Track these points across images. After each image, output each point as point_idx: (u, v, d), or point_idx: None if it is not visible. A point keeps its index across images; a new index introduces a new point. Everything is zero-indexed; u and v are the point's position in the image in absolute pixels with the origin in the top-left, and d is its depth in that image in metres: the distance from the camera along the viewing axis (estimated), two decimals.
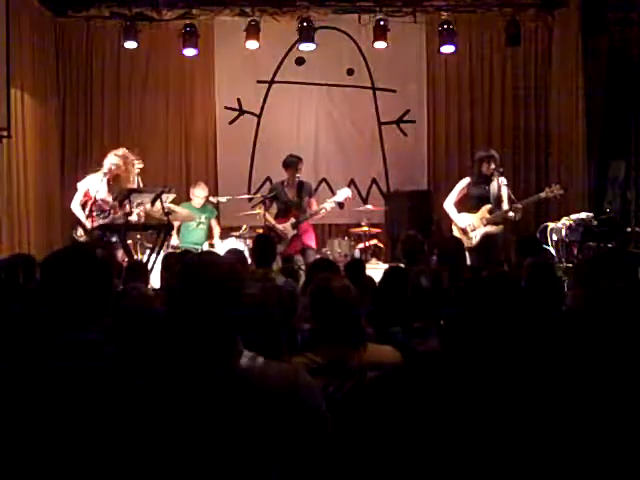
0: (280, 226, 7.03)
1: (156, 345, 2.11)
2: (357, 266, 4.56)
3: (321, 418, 1.66)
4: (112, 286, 2.04)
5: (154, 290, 3.93)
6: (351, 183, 8.79)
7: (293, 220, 7.03)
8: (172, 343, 1.71)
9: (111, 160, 6.25)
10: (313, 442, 1.61)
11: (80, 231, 6.25)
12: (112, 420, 1.63)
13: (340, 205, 7.13)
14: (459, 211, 6.77)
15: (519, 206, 6.43)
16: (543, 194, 6.64)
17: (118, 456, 1.60)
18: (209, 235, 7.61)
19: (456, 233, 6.67)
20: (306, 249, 6.99)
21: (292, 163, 7.09)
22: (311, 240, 7.16)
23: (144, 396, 1.62)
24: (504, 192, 6.56)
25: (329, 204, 7.04)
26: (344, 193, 7.09)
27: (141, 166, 6.50)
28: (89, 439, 1.66)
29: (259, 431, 1.56)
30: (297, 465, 1.58)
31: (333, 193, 8.63)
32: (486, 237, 6.50)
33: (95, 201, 6.20)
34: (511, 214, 6.43)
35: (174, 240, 7.19)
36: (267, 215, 7.06)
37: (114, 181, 6.33)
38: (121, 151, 6.36)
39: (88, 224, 6.16)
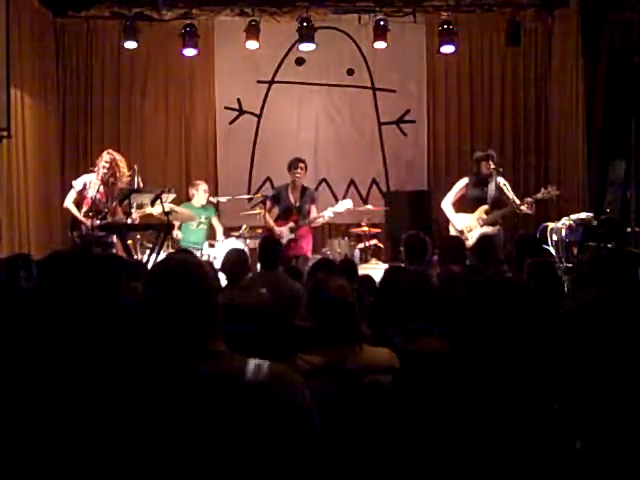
0: (277, 229, 7.03)
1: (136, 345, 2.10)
2: (350, 265, 4.59)
3: (306, 416, 1.63)
4: (110, 287, 2.04)
5: None
6: (351, 183, 8.80)
7: (292, 224, 7.03)
8: (142, 344, 1.71)
9: (101, 163, 6.37)
10: (297, 444, 1.56)
11: (75, 232, 6.29)
12: (95, 419, 1.62)
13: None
14: (457, 212, 6.77)
15: (530, 200, 6.41)
16: (539, 195, 6.63)
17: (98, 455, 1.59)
18: (211, 235, 7.60)
19: (453, 234, 6.66)
20: (299, 256, 6.96)
21: (291, 164, 7.10)
22: (307, 246, 7.16)
23: (119, 396, 1.61)
24: (507, 191, 6.55)
25: (328, 213, 7.02)
26: (345, 204, 7.07)
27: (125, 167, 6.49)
28: (73, 438, 1.66)
29: (228, 433, 1.53)
30: (281, 469, 1.55)
31: (333, 193, 8.65)
32: (483, 238, 6.49)
33: (92, 202, 6.22)
34: (523, 208, 6.38)
35: (177, 233, 7.14)
36: (267, 215, 7.06)
37: (108, 183, 6.36)
38: (107, 156, 6.39)
39: (86, 221, 6.21)
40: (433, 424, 1.87)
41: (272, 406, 1.55)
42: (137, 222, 6.25)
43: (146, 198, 6.16)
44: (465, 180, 6.81)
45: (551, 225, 6.87)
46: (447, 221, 6.89)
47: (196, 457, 1.51)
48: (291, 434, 1.56)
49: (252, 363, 1.62)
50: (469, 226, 6.59)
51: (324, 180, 8.78)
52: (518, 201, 6.43)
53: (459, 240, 5.35)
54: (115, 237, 6.33)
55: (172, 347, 1.61)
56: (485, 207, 6.54)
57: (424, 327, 2.81)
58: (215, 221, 7.68)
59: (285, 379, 1.63)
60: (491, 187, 6.56)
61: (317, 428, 1.63)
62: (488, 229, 6.52)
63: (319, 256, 7.17)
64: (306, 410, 1.61)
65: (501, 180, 6.57)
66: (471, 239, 6.52)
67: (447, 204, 6.80)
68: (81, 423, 1.64)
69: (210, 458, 1.52)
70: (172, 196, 6.38)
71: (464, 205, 6.76)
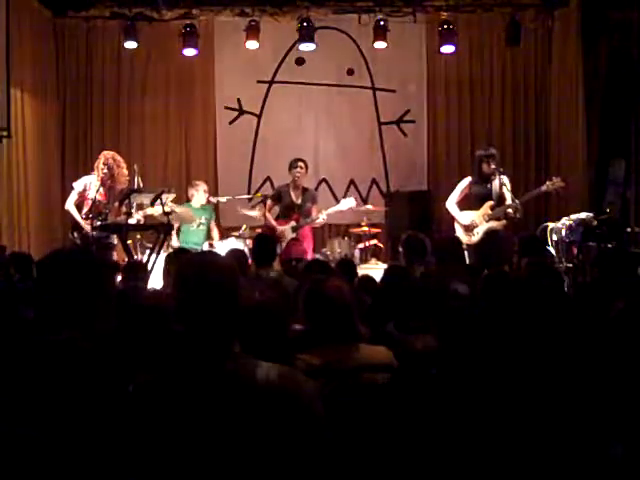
0: (279, 227, 7.03)
1: (160, 344, 2.11)
2: (347, 265, 4.59)
3: (317, 420, 1.64)
4: (106, 287, 2.04)
5: (154, 290, 3.93)
6: (351, 183, 8.80)
7: (293, 223, 7.02)
8: (172, 343, 1.71)
9: (99, 165, 6.39)
10: (308, 444, 1.59)
11: (76, 233, 6.30)
12: (89, 418, 1.62)
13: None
14: (461, 210, 6.78)
15: (517, 202, 6.44)
16: (544, 187, 6.68)
17: (102, 454, 1.60)
18: (209, 236, 7.60)
19: (459, 231, 6.69)
20: (302, 260, 6.93)
21: (291, 164, 7.10)
22: (309, 249, 7.13)
23: (137, 394, 1.62)
24: (505, 191, 6.57)
25: (328, 212, 7.01)
26: (348, 203, 7.08)
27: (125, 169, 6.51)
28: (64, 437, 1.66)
29: (247, 432, 1.55)
30: (290, 467, 1.57)
31: (333, 193, 8.65)
32: (489, 233, 6.50)
33: (92, 203, 6.22)
34: (509, 211, 6.43)
35: (174, 241, 7.15)
36: (267, 214, 7.06)
37: (107, 184, 6.37)
38: (104, 157, 6.39)
39: (85, 225, 6.22)
40: (433, 421, 1.87)
41: (282, 407, 1.58)
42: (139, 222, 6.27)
43: (146, 198, 6.17)
44: (468, 179, 6.85)
45: (551, 225, 6.87)
46: (452, 220, 6.90)
47: (211, 457, 1.53)
48: (298, 434, 1.59)
49: (263, 365, 1.65)
50: (475, 222, 6.62)
51: (324, 180, 8.78)
52: (509, 203, 6.46)
53: (456, 240, 5.35)
54: (115, 237, 6.33)
55: (203, 346, 1.63)
56: (491, 203, 6.57)
57: (423, 325, 2.81)
58: (213, 224, 7.67)
59: (295, 382, 1.67)
60: (495, 184, 6.59)
61: (324, 429, 1.65)
62: (494, 224, 6.55)
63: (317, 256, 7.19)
64: (313, 412, 1.64)
65: (504, 178, 6.60)
66: (477, 235, 6.56)
67: (451, 203, 6.83)
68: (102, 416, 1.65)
69: (225, 458, 1.54)
70: (172, 196, 6.38)
71: (468, 204, 6.79)
